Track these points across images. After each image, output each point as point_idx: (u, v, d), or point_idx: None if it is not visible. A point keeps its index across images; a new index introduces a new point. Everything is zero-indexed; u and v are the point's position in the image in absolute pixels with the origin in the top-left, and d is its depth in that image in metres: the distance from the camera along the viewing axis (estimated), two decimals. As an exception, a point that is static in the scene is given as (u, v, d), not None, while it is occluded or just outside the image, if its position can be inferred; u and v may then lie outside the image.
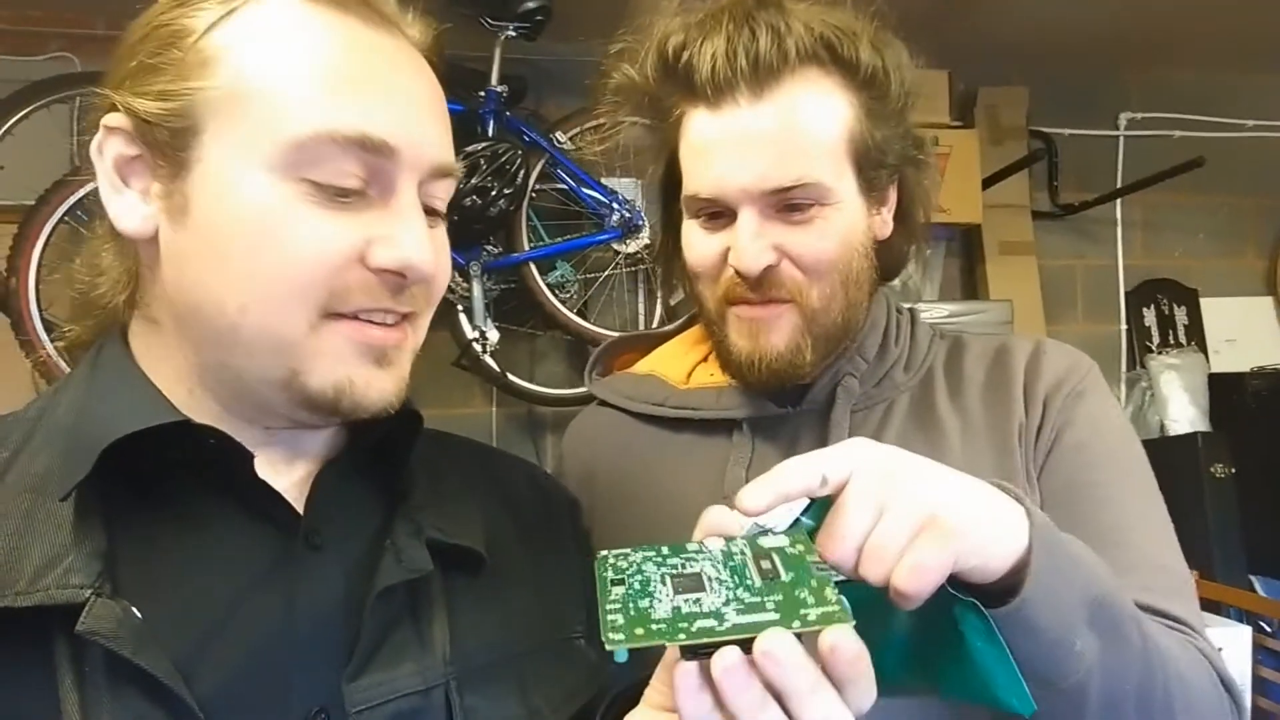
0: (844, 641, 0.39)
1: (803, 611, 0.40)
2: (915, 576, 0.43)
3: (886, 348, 0.76)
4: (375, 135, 0.47)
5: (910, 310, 0.81)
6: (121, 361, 0.51)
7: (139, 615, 0.44)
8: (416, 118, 0.50)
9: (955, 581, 0.48)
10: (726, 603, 0.40)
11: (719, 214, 0.70)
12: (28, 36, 1.98)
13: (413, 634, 0.51)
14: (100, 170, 0.49)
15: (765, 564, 0.43)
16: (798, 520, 0.47)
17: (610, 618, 0.40)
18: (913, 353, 0.77)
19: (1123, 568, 0.62)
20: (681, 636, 0.39)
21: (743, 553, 0.44)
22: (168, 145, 0.48)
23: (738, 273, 0.69)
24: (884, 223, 0.74)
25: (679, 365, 0.81)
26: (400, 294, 0.50)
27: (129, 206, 0.49)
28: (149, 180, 0.49)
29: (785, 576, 0.42)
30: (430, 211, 0.52)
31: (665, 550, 0.44)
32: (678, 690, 0.40)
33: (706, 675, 0.39)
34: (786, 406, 0.74)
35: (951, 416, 0.73)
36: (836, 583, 0.44)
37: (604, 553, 0.44)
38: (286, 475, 0.53)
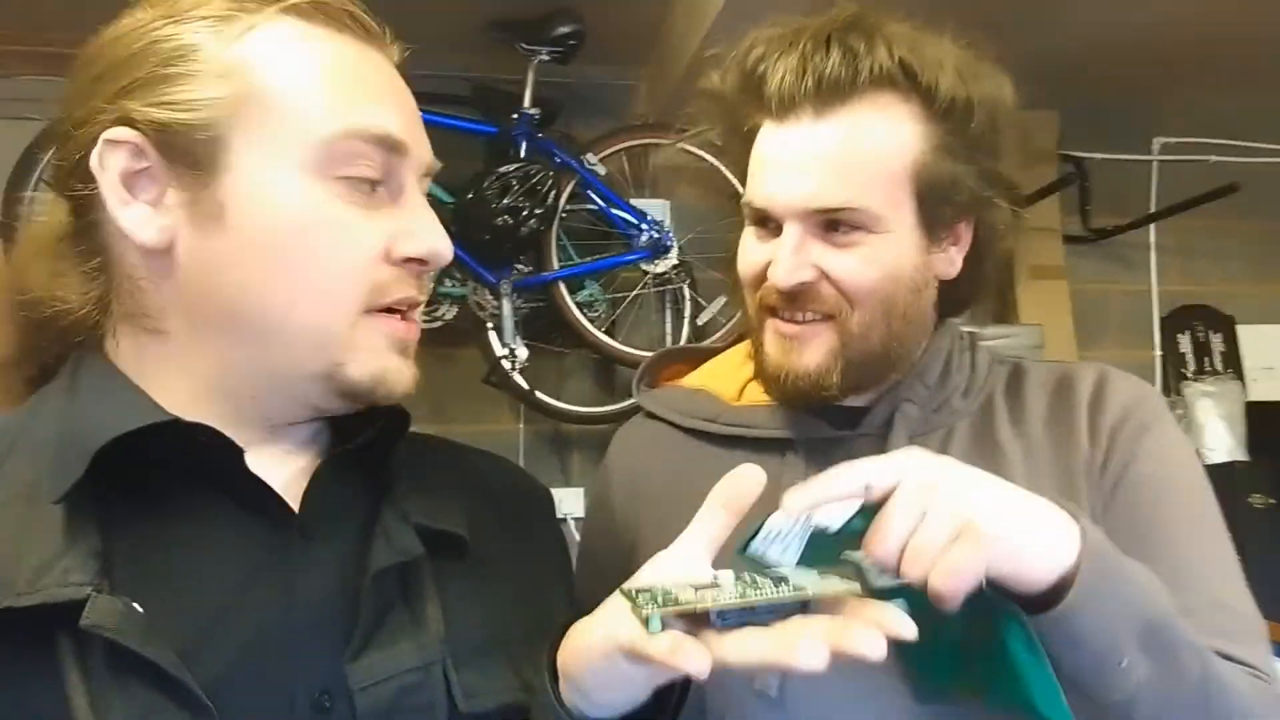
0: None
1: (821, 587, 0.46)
2: (949, 578, 0.46)
3: (948, 375, 0.75)
4: (395, 134, 0.51)
5: (970, 335, 0.80)
6: (106, 370, 0.53)
7: (140, 609, 0.45)
8: (414, 122, 0.54)
9: (998, 589, 0.50)
10: (743, 592, 0.45)
11: (770, 225, 0.70)
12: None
13: (407, 615, 0.53)
14: (104, 184, 0.49)
15: (775, 578, 0.47)
16: (850, 520, 0.51)
17: (640, 597, 0.44)
18: (972, 378, 0.76)
19: (1189, 609, 0.61)
20: (709, 602, 0.43)
21: (753, 575, 0.48)
22: (190, 154, 0.49)
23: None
24: (949, 261, 0.72)
25: (731, 381, 0.80)
26: (420, 282, 0.54)
27: (143, 218, 0.50)
28: (160, 191, 0.50)
29: (793, 579, 0.47)
30: None
31: (683, 582, 0.48)
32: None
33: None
34: (842, 429, 0.73)
35: (1014, 446, 0.71)
36: (889, 588, 0.49)
37: (625, 586, 0.48)
38: (278, 472, 0.54)
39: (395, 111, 0.53)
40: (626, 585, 0.47)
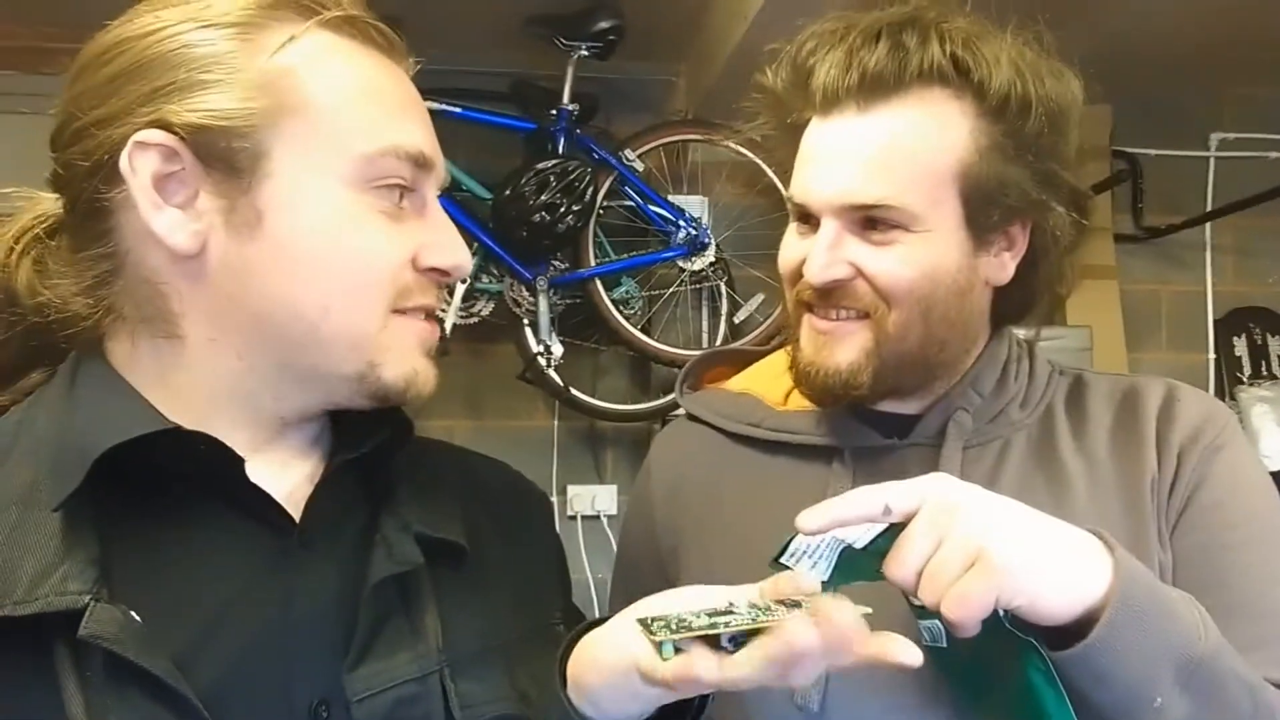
0: (797, 636, 0.43)
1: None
2: (959, 605, 0.47)
3: (1005, 384, 0.72)
4: (426, 151, 0.54)
5: (1028, 343, 0.77)
6: (106, 375, 0.52)
7: (137, 618, 0.45)
8: (435, 137, 0.56)
9: (1018, 620, 0.50)
10: (755, 618, 0.46)
11: (811, 221, 0.69)
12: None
13: (406, 624, 0.53)
14: (136, 187, 0.49)
15: (791, 603, 0.47)
16: (879, 537, 0.52)
17: (655, 624, 0.45)
18: (1030, 389, 0.73)
19: (1259, 641, 0.60)
20: (720, 627, 0.44)
21: (767, 604, 0.48)
22: (227, 160, 0.49)
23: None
24: (1001, 265, 0.69)
25: (777, 385, 0.78)
26: (439, 291, 0.57)
27: (176, 223, 0.49)
28: (192, 195, 0.50)
29: (810, 602, 0.47)
30: None
31: (699, 611, 0.48)
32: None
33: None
34: (892, 437, 0.72)
35: (1076, 462, 0.69)
36: (919, 606, 0.50)
37: (641, 616, 0.48)
38: (279, 480, 0.54)
39: (423, 129, 0.55)
40: (643, 615, 0.48)
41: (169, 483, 0.51)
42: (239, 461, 0.51)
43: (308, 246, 0.50)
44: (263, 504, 0.52)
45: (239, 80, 0.49)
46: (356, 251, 0.51)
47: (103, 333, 0.53)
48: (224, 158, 0.49)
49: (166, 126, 0.48)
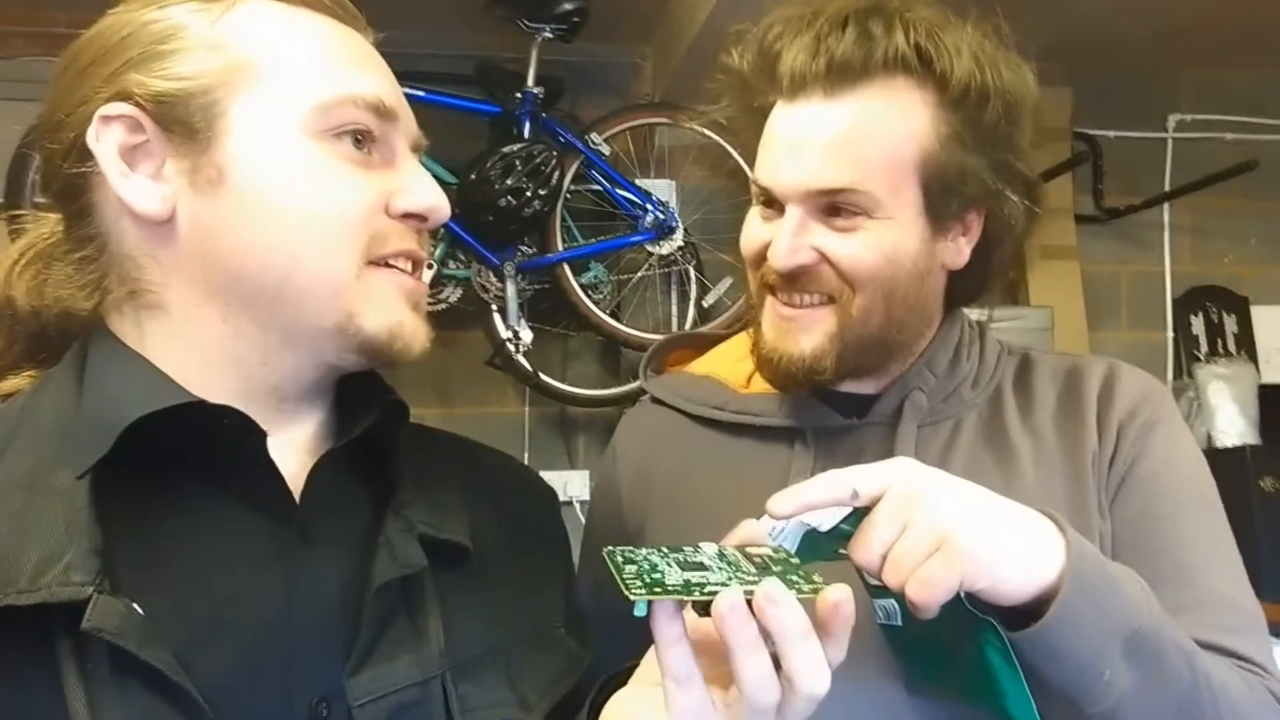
0: (847, 597, 0.44)
1: (797, 584, 0.45)
2: (923, 589, 0.49)
3: (957, 364, 0.75)
4: (386, 100, 0.53)
5: (979, 324, 0.80)
6: (120, 351, 0.52)
7: (140, 611, 0.45)
8: (401, 95, 0.56)
9: (976, 600, 0.52)
10: (729, 579, 0.45)
11: (776, 205, 0.70)
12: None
13: (408, 627, 0.53)
14: (103, 158, 0.50)
15: (757, 560, 0.48)
16: (844, 520, 0.53)
17: (628, 580, 0.44)
18: (981, 369, 0.76)
19: (1191, 604, 0.63)
20: (696, 593, 0.43)
21: (734, 552, 0.49)
22: (186, 123, 0.50)
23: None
24: (957, 251, 0.71)
25: (739, 368, 0.79)
26: (419, 238, 0.56)
27: (144, 189, 0.51)
28: (159, 163, 0.51)
29: (775, 568, 0.47)
30: None
31: (665, 549, 0.48)
32: (660, 641, 0.43)
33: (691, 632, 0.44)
34: (851, 418, 0.74)
35: (1023, 439, 0.72)
36: (874, 586, 0.51)
37: (610, 548, 0.47)
38: (285, 465, 0.53)
39: (383, 80, 0.55)
40: (610, 548, 0.47)
41: (167, 469, 0.50)
42: (261, 435, 0.50)
43: (271, 197, 0.51)
44: (268, 487, 0.51)
45: (192, 46, 0.51)
46: (321, 198, 0.51)
47: (103, 315, 0.54)
48: (183, 120, 0.50)
49: (127, 97, 0.50)
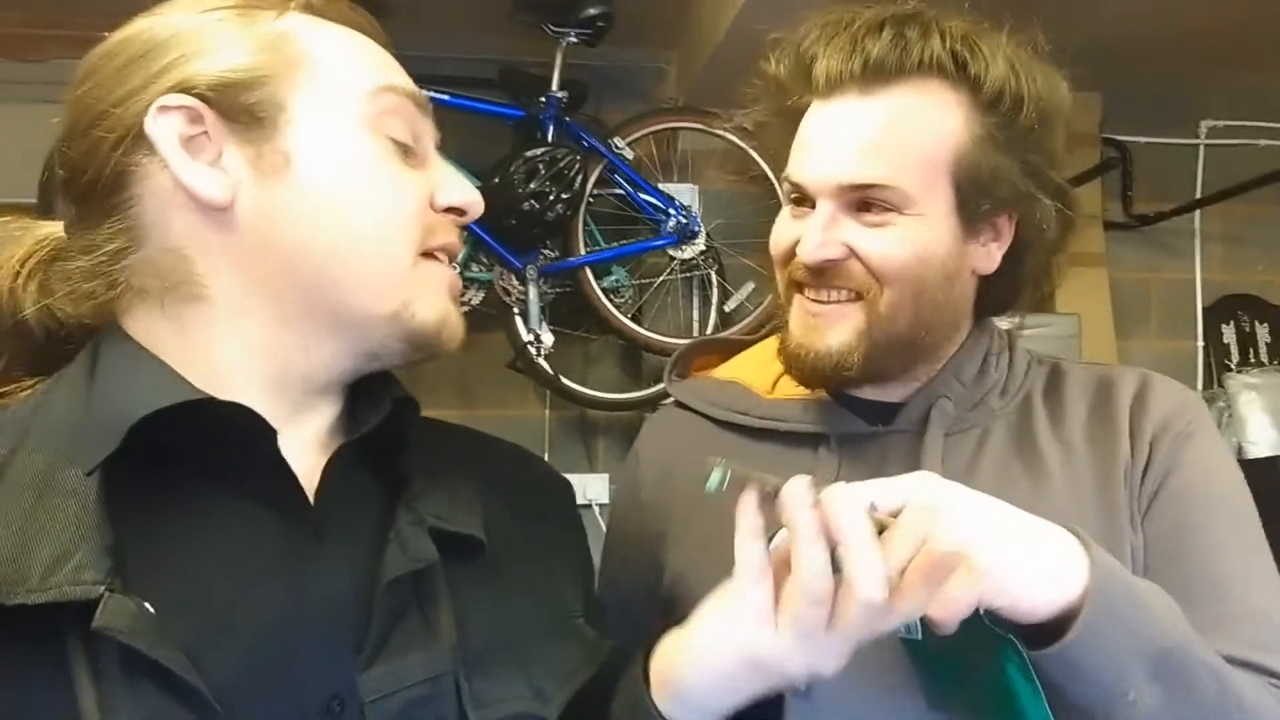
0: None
1: None
2: (941, 606, 0.49)
3: (985, 373, 0.74)
4: (418, 94, 0.57)
5: (1009, 333, 0.79)
6: (133, 350, 0.53)
7: (151, 610, 0.45)
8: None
9: (997, 617, 0.51)
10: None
11: (807, 202, 0.70)
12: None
13: (420, 623, 0.52)
14: (166, 149, 0.51)
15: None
16: None
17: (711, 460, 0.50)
18: (1010, 378, 0.75)
19: (1224, 619, 0.62)
20: (771, 479, 0.49)
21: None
22: (248, 112, 0.52)
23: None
24: (988, 256, 0.71)
25: (764, 373, 0.79)
26: (457, 231, 0.59)
27: (208, 176, 0.51)
28: (216, 152, 0.52)
29: None
30: None
31: None
32: (741, 533, 0.49)
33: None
34: (876, 424, 0.73)
35: (1053, 449, 0.71)
36: None
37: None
38: (295, 461, 0.53)
39: (410, 80, 0.58)
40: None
41: (178, 467, 0.50)
42: (272, 434, 0.50)
43: (337, 186, 0.52)
44: (281, 485, 0.51)
45: (244, 43, 0.53)
46: (380, 189, 0.53)
47: (117, 315, 0.54)
48: (246, 110, 0.52)
49: (187, 89, 0.51)
